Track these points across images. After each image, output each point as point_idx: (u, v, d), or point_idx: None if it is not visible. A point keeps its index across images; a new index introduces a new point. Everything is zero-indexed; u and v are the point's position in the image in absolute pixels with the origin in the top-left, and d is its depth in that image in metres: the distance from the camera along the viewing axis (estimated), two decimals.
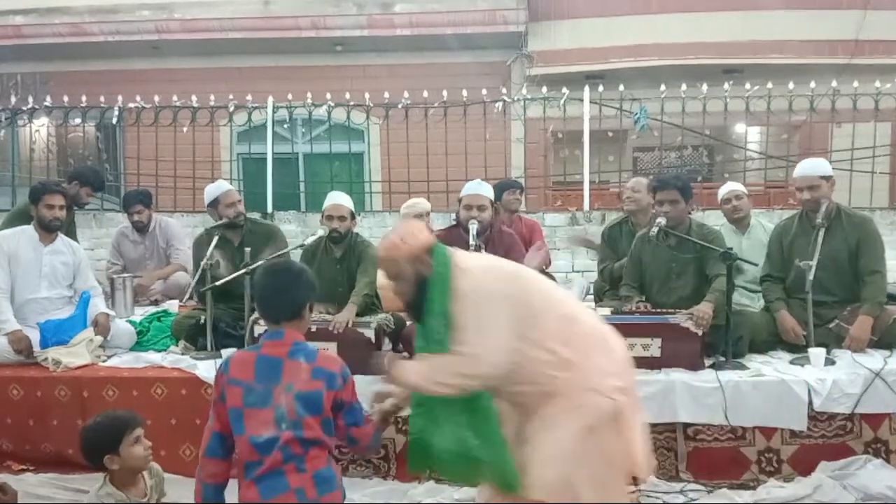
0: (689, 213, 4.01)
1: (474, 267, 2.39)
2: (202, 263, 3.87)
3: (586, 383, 2.30)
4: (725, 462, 3.38)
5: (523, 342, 2.29)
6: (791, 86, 6.85)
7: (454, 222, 4.23)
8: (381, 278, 2.77)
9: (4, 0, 9.62)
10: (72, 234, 4.85)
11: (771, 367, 3.56)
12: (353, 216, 4.09)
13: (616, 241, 4.65)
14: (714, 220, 5.56)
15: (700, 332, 3.51)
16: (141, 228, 5.55)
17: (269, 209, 7.21)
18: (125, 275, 5.10)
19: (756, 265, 4.21)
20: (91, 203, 5.27)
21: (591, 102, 7.11)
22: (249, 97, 7.38)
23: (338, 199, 4.14)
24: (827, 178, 3.88)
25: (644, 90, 7.21)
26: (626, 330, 3.48)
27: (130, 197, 5.68)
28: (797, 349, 3.75)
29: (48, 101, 7.47)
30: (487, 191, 4.09)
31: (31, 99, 7.62)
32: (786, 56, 9.06)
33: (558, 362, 2.30)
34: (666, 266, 3.99)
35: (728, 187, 4.83)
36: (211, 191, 4.42)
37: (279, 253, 4.04)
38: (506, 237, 4.12)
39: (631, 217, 4.64)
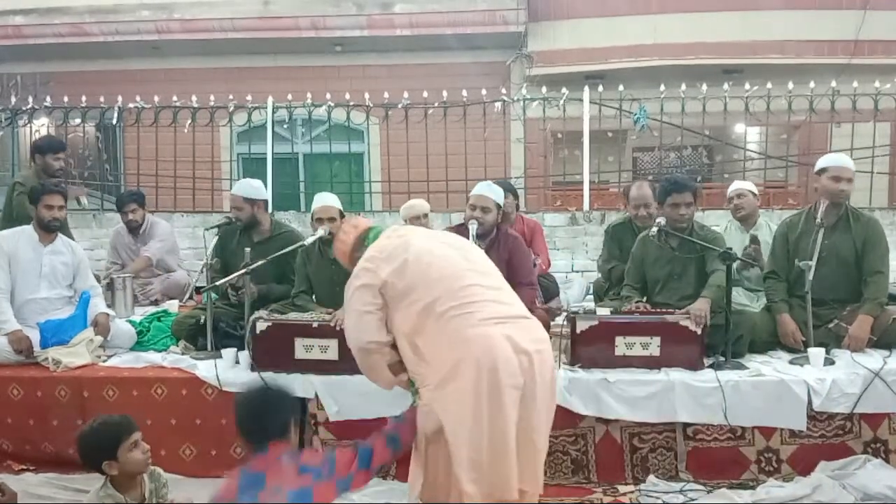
0: None
1: (371, 247, 2.54)
2: (203, 262, 3.90)
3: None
4: (725, 462, 3.39)
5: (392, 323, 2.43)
6: (790, 86, 6.84)
7: (462, 221, 4.22)
8: None
9: (4, 0, 9.62)
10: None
11: (770, 367, 3.56)
12: (342, 216, 4.08)
13: (622, 240, 4.62)
14: (714, 220, 5.57)
15: (699, 331, 3.51)
16: (134, 228, 5.54)
17: (269, 209, 7.20)
18: (124, 274, 5.10)
19: (755, 266, 4.21)
20: (62, 166, 5.18)
21: (590, 102, 7.08)
22: (249, 97, 7.36)
23: (325, 200, 4.14)
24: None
25: (644, 90, 7.19)
26: (626, 329, 3.53)
27: (125, 196, 5.69)
28: (797, 349, 3.75)
29: (48, 101, 7.45)
30: (495, 193, 4.00)
31: (31, 99, 7.61)
32: (785, 56, 9.07)
33: (416, 357, 2.37)
34: (667, 267, 4.00)
35: (733, 186, 4.92)
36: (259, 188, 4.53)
37: (279, 254, 4.04)
38: (511, 240, 4.06)
39: (636, 220, 4.62)
